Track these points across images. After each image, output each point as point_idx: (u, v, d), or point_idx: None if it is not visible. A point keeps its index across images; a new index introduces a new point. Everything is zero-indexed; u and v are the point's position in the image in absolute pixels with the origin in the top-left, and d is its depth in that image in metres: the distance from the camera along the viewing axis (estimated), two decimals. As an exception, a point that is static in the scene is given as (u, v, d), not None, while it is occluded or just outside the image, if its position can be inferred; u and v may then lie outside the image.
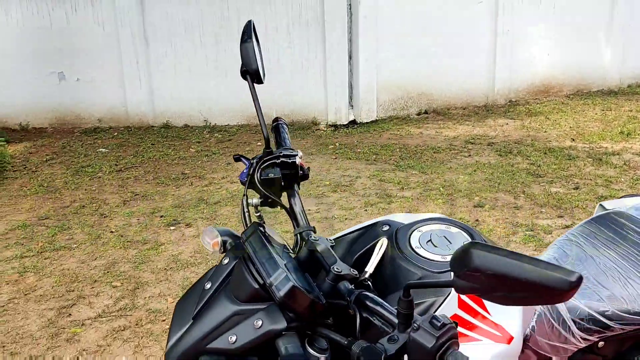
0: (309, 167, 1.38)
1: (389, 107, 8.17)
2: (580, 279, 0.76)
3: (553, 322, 1.35)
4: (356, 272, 1.13)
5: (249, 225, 1.24)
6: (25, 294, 3.36)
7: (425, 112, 8.26)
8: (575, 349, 1.40)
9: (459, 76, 8.46)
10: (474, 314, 1.14)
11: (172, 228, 4.33)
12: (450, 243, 1.23)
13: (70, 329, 3.00)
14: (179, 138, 7.12)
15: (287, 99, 7.78)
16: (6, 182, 5.51)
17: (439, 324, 0.89)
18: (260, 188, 1.30)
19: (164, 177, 5.59)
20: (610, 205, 1.72)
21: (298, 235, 1.27)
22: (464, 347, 1.01)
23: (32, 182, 5.52)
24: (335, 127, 7.66)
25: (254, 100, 1.37)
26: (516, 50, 8.78)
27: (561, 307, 1.38)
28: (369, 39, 7.76)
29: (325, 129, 7.58)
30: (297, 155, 1.36)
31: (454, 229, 1.27)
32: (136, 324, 3.02)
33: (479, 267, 0.81)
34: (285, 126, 1.49)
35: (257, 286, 1.08)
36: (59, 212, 4.73)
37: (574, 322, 1.37)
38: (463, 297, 1.14)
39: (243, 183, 1.33)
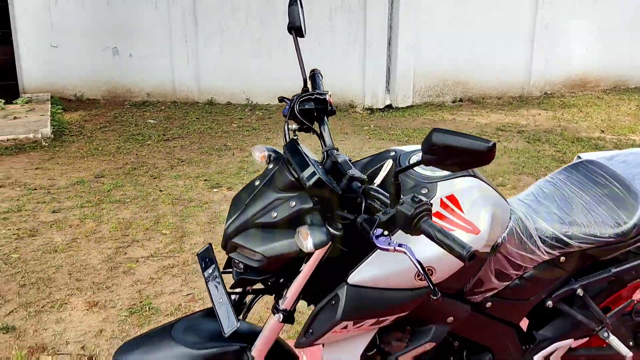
0: (336, 106, 1.73)
1: (424, 94, 8.43)
2: (494, 145, 1.10)
3: (522, 236, 1.65)
4: (366, 177, 1.47)
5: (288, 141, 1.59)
6: (86, 236, 3.79)
7: (460, 100, 8.48)
8: (541, 261, 1.70)
9: (495, 67, 8.66)
10: (452, 212, 1.46)
11: (214, 190, 4.72)
12: None
13: (126, 264, 3.41)
14: (222, 114, 7.53)
15: (326, 81, 8.02)
16: (64, 145, 5.99)
17: (417, 200, 1.23)
18: (299, 116, 1.64)
19: (207, 147, 5.99)
20: (586, 156, 2.03)
21: (325, 152, 1.60)
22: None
23: (87, 146, 5.98)
24: (372, 110, 7.97)
25: (297, 50, 1.72)
26: (554, 44, 8.92)
27: (530, 226, 1.68)
28: (409, 27, 8.02)
29: (361, 111, 7.89)
30: (327, 93, 1.70)
31: None
32: (183, 264, 3.42)
33: (435, 142, 1.16)
34: (320, 75, 1.83)
35: (292, 179, 1.43)
36: (113, 172, 5.16)
37: (540, 238, 1.68)
38: (444, 199, 1.47)
39: (285, 115, 1.68)
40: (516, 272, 1.68)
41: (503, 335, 1.79)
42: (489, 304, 1.70)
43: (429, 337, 1.62)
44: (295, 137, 1.63)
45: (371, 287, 1.44)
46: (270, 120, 7.26)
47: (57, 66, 8.12)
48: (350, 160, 1.55)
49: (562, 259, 1.73)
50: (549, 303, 1.79)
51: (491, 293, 1.68)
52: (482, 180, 1.60)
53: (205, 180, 4.96)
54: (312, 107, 1.66)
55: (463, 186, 1.53)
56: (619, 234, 1.74)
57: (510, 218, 1.64)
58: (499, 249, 1.61)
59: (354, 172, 1.46)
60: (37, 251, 3.54)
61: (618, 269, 1.81)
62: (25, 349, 2.60)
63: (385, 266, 1.42)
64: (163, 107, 7.87)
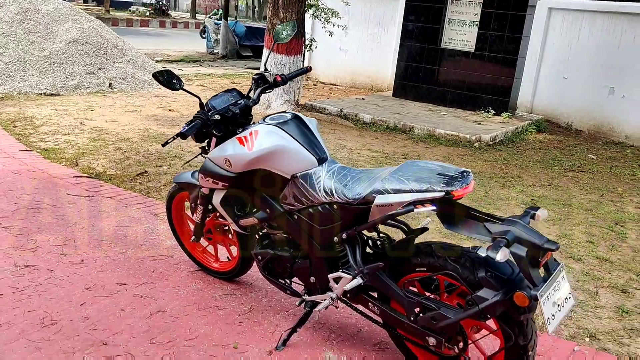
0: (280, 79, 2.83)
1: None
2: (178, 87, 2.43)
3: (314, 180, 2.42)
4: (237, 112, 2.65)
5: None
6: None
7: None
8: (322, 201, 2.39)
9: None
10: (249, 137, 2.50)
11: (522, 205, 5.24)
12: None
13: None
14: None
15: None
16: (490, 151, 7.26)
17: (201, 113, 2.54)
18: (254, 79, 2.83)
19: (593, 185, 6.12)
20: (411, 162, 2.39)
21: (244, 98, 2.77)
22: (233, 140, 2.53)
23: (504, 157, 7.03)
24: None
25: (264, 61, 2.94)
26: None
27: (322, 179, 2.42)
28: None
29: None
30: (267, 72, 2.82)
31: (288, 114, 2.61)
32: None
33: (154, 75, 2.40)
34: (307, 70, 2.97)
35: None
36: (489, 173, 6.20)
37: (322, 186, 2.40)
38: (252, 130, 2.52)
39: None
40: (306, 201, 2.44)
41: (313, 247, 2.52)
42: (295, 216, 2.52)
43: (253, 215, 2.71)
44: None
45: (212, 161, 2.67)
46: None
47: (559, 95, 9.25)
48: (238, 103, 2.71)
49: (335, 206, 2.37)
50: (336, 239, 2.42)
51: (295, 208, 2.50)
52: (293, 137, 2.49)
53: (531, 200, 5.45)
54: (256, 77, 2.83)
55: (267, 130, 2.51)
56: (349, 198, 2.30)
57: (313, 168, 2.47)
58: (296, 180, 2.47)
59: (234, 108, 2.65)
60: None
61: (359, 228, 2.34)
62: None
63: (218, 152, 2.62)
64: (628, 150, 7.96)
